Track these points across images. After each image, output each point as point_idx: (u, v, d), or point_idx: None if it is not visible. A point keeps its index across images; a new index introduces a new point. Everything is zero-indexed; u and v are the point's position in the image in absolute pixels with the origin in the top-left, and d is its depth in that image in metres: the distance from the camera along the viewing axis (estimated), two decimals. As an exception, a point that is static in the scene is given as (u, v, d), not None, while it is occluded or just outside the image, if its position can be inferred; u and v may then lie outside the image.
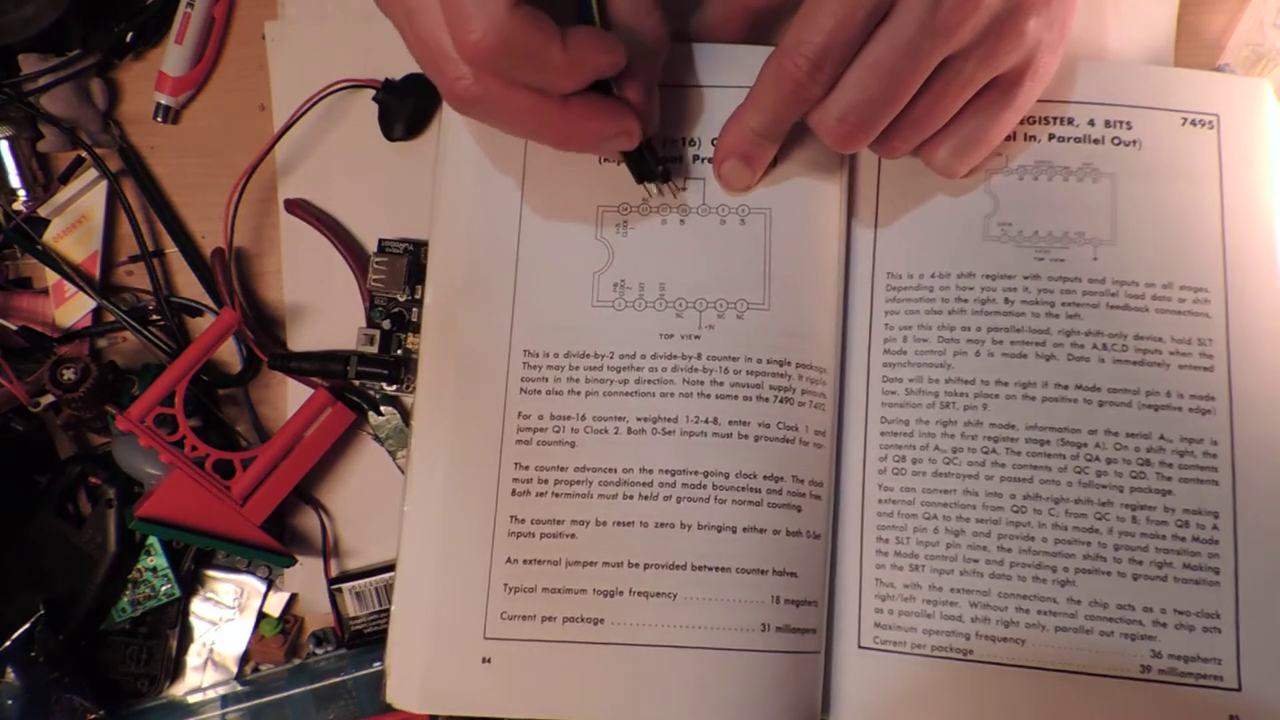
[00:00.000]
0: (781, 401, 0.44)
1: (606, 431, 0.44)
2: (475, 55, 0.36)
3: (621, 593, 0.43)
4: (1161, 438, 0.43)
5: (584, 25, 0.38)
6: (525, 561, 0.44)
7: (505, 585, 0.43)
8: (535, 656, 0.43)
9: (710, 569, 0.43)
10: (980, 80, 0.40)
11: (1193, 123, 0.46)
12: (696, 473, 0.43)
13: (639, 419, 0.44)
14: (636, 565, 0.43)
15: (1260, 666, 0.42)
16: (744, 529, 0.43)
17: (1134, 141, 0.46)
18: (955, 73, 0.39)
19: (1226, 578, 0.42)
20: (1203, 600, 0.42)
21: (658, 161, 0.44)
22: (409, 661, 0.43)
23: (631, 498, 0.43)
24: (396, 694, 0.43)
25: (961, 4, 0.36)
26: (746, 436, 0.43)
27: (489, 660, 0.43)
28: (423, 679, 0.43)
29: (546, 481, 0.44)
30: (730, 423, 0.43)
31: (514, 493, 0.44)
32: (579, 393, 0.44)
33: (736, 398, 0.43)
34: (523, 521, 0.44)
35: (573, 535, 0.43)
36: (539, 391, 0.45)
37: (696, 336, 0.44)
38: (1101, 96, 0.46)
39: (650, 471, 0.43)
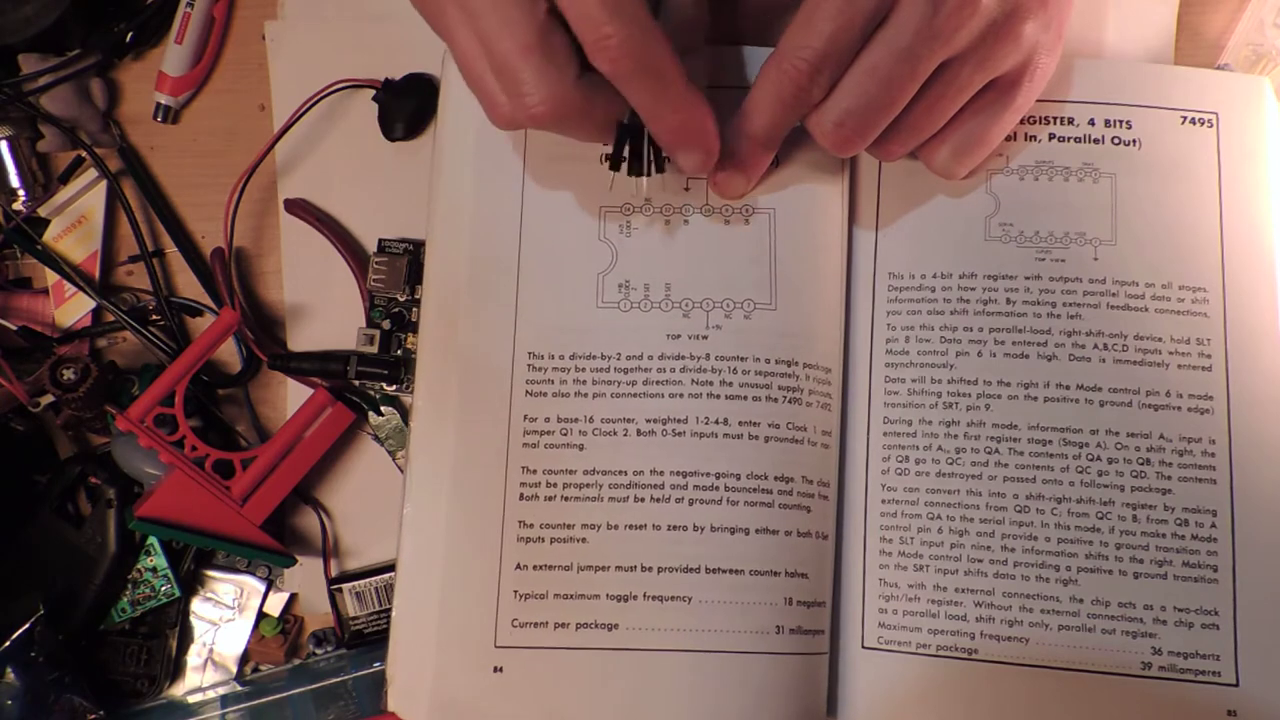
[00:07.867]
0: (790, 402, 0.43)
1: (615, 434, 0.44)
2: (530, 120, 0.38)
3: (636, 597, 0.43)
4: (1161, 437, 0.43)
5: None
6: (535, 567, 0.43)
7: (515, 592, 0.43)
8: (549, 664, 0.42)
9: (725, 571, 0.42)
10: (977, 84, 0.40)
11: (1192, 121, 0.46)
12: (708, 474, 0.43)
13: (648, 420, 0.43)
14: (650, 569, 0.42)
15: (1257, 662, 0.42)
16: (757, 530, 0.43)
17: (1134, 141, 0.46)
18: (952, 77, 0.39)
19: (1224, 575, 0.42)
20: (1201, 597, 0.42)
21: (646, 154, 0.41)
22: (414, 671, 0.43)
23: (643, 500, 0.43)
24: (401, 704, 0.42)
25: (959, 9, 0.36)
26: (757, 437, 0.43)
27: (500, 669, 0.42)
28: (430, 690, 0.42)
29: (555, 485, 0.43)
30: (741, 423, 0.43)
31: (522, 497, 0.44)
32: (586, 394, 0.44)
33: (746, 398, 0.43)
34: (531, 526, 0.43)
35: (584, 539, 0.43)
36: (545, 394, 0.44)
37: (704, 337, 0.44)
38: (1101, 96, 0.46)
39: (661, 473, 0.43)
